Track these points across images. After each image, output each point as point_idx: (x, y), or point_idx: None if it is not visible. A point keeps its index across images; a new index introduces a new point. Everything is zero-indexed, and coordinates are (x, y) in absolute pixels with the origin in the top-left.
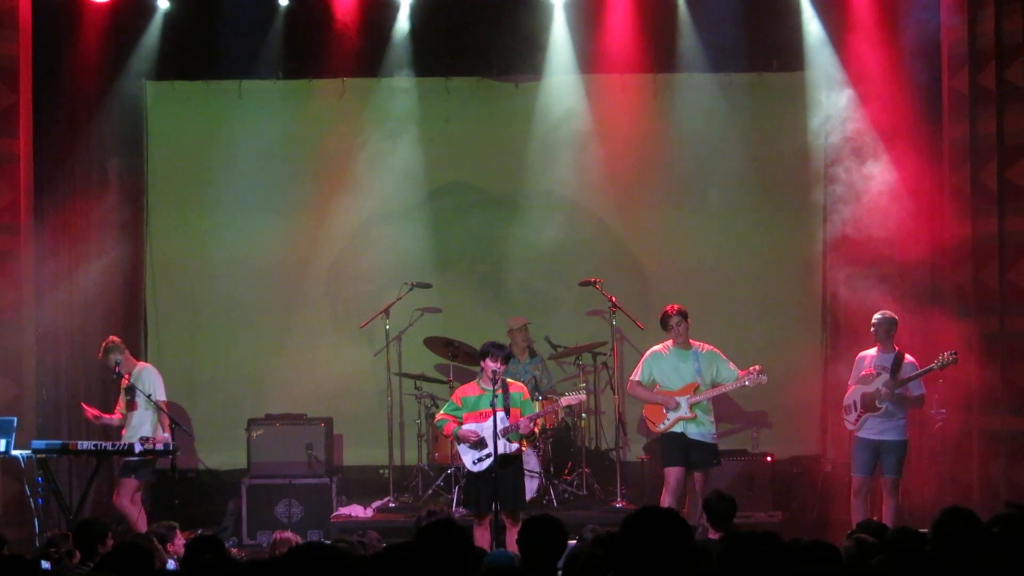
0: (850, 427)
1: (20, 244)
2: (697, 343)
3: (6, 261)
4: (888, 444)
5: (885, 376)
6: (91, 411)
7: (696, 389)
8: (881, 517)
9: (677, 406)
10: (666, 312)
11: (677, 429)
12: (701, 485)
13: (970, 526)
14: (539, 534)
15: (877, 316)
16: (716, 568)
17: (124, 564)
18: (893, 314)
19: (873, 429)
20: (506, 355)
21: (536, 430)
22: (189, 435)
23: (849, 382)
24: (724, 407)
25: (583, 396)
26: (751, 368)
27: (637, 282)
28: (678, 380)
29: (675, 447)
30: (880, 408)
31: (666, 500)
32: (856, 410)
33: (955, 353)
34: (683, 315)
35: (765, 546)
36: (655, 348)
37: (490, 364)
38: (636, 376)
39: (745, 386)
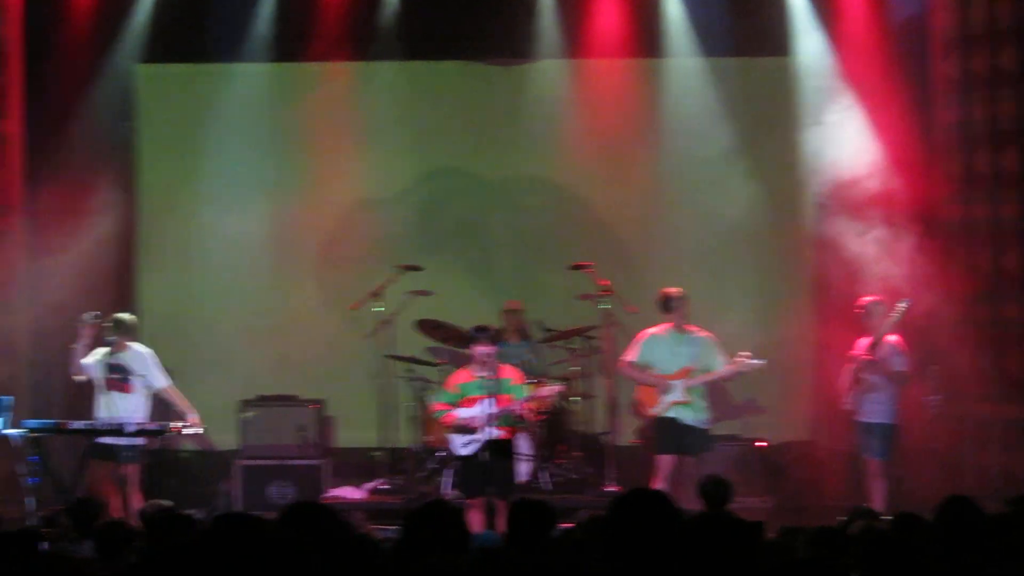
0: (845, 407)
1: (12, 225)
2: (694, 328)
3: None
4: (874, 426)
5: (864, 357)
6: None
7: (691, 373)
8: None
9: (671, 390)
10: (667, 294)
11: (670, 414)
12: (694, 470)
13: (971, 514)
14: (526, 517)
15: (862, 300)
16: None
17: (112, 543)
18: (876, 299)
19: (861, 411)
20: (491, 336)
21: (528, 416)
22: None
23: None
24: (715, 392)
25: (561, 388)
26: (736, 358)
27: (626, 266)
28: (673, 364)
29: (668, 433)
30: (862, 381)
31: (658, 488)
32: (848, 390)
33: (907, 300)
34: (684, 298)
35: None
36: (652, 330)
37: (479, 349)
38: (631, 357)
39: (742, 372)
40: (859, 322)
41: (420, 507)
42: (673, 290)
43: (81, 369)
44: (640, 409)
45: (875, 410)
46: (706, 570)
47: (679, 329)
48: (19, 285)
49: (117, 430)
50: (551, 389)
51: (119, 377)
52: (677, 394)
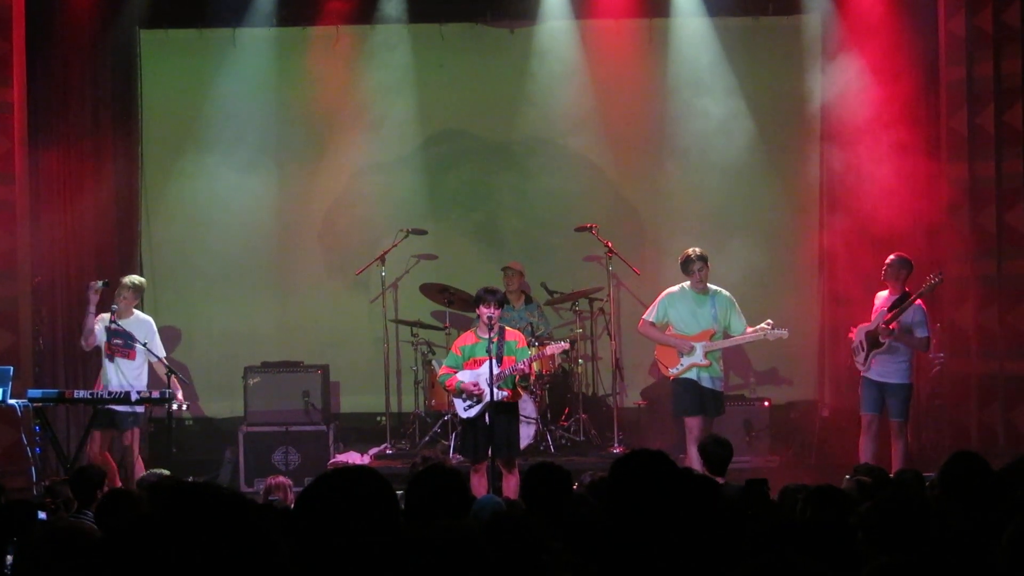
0: (860, 368)
1: (15, 193)
2: (714, 287)
3: (1, 210)
4: (892, 387)
5: (882, 312)
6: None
7: (712, 336)
8: (890, 458)
9: (692, 351)
10: (688, 255)
11: (690, 375)
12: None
13: (978, 470)
14: (543, 482)
15: (890, 257)
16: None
17: (113, 512)
18: (905, 256)
19: (877, 370)
20: (499, 299)
21: (532, 375)
22: (188, 383)
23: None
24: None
25: (566, 345)
26: (761, 325)
27: (632, 227)
28: (694, 325)
29: (690, 394)
30: (884, 344)
31: (692, 451)
32: (863, 350)
33: (940, 273)
34: (704, 259)
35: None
36: (671, 289)
37: (484, 310)
38: (650, 316)
39: (766, 340)
40: (862, 287)
41: (420, 472)
42: (693, 251)
43: (92, 337)
44: (659, 369)
45: (894, 370)
46: (709, 529)
47: (700, 289)
48: (22, 254)
49: (124, 399)
50: (557, 347)
51: (122, 343)
52: (697, 356)
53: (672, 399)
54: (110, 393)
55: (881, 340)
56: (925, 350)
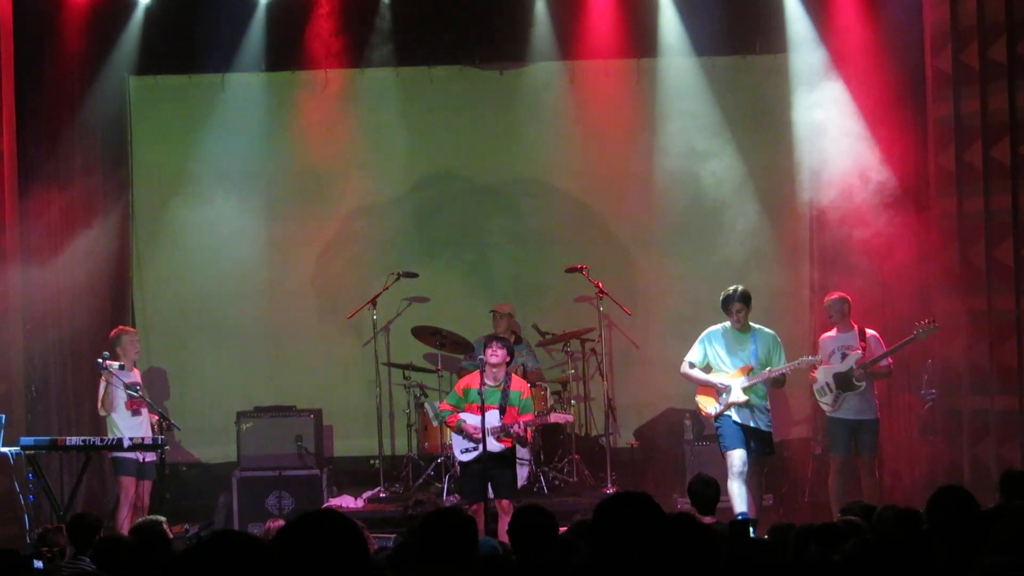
0: (827, 409)
1: (6, 241)
2: (757, 325)
3: None
4: (867, 423)
5: (855, 354)
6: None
7: (750, 372)
8: (861, 496)
9: (729, 389)
10: (728, 293)
11: (728, 414)
12: (756, 477)
13: (965, 505)
14: (527, 524)
15: (827, 299)
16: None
17: (111, 557)
18: (843, 293)
19: (851, 409)
20: (504, 345)
21: (528, 436)
22: (177, 428)
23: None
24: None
25: (570, 417)
26: (800, 359)
27: (623, 268)
28: (733, 362)
29: (731, 430)
30: (860, 386)
31: (733, 486)
32: (832, 391)
33: (932, 320)
34: (744, 299)
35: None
36: (713, 327)
37: (490, 353)
38: (691, 357)
39: (797, 367)
40: (861, 323)
41: (431, 514)
42: (735, 288)
43: (112, 406)
44: (699, 409)
45: (868, 407)
46: (691, 571)
47: (740, 327)
48: (13, 301)
49: (116, 445)
50: (561, 416)
51: (141, 395)
52: (735, 394)
53: (718, 436)
54: (102, 440)
55: (856, 383)
56: (890, 374)
